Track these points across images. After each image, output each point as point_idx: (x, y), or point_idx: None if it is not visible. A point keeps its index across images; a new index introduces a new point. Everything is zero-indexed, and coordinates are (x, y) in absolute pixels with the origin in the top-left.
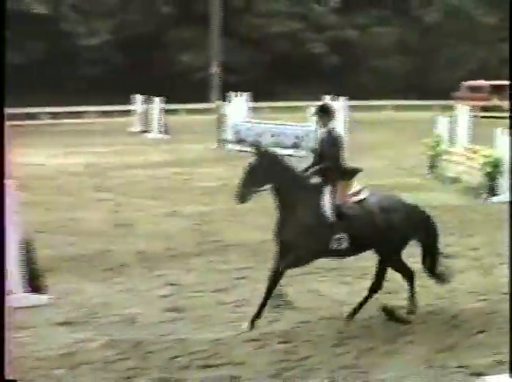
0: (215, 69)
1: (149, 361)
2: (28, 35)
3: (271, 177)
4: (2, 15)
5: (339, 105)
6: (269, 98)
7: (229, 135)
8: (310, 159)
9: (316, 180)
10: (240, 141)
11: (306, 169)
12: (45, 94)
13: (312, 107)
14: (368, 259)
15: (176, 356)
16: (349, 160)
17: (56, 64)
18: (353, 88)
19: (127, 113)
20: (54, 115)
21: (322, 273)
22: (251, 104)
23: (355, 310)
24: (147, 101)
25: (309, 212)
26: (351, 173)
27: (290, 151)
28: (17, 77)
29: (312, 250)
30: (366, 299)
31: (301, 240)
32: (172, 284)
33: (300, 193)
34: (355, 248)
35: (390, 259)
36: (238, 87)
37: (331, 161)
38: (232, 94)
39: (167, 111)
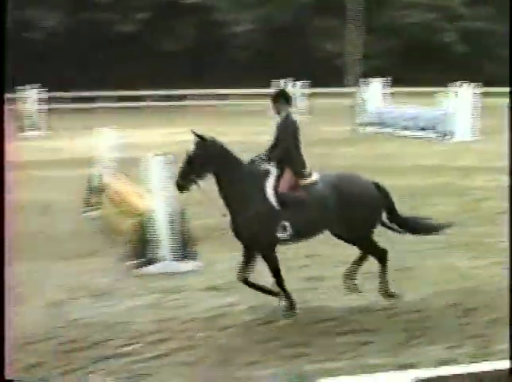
0: (352, 56)
1: (288, 327)
2: (182, 23)
3: (210, 166)
4: (2, 14)
5: (468, 92)
6: (402, 84)
7: (366, 118)
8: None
9: (263, 167)
10: (376, 124)
11: (258, 157)
12: (197, 79)
13: (442, 92)
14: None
15: (316, 322)
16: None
17: (207, 50)
18: (482, 76)
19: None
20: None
21: (454, 247)
22: (386, 90)
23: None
24: (288, 85)
25: (253, 201)
26: (301, 160)
27: (421, 133)
28: (172, 63)
29: (259, 240)
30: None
31: (249, 232)
32: (308, 256)
33: (242, 182)
34: (306, 233)
35: (355, 240)
36: (375, 74)
37: (280, 149)
38: (370, 79)
39: (310, 95)
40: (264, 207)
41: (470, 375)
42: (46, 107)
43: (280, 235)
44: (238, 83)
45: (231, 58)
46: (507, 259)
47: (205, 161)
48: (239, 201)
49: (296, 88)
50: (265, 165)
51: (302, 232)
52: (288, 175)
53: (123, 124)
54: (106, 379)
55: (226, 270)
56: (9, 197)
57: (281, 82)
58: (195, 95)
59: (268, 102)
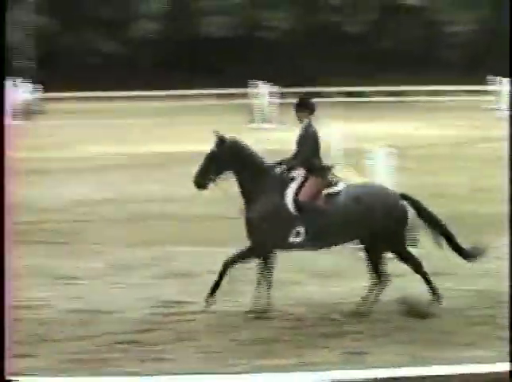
0: None
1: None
2: (402, 24)
3: (231, 165)
4: (2, 15)
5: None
6: None
7: None
8: None
9: (285, 172)
10: None
11: (280, 162)
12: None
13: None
14: None
15: None
16: None
17: (424, 49)
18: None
19: (480, 92)
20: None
21: None
22: None
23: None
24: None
25: (269, 203)
26: (324, 169)
27: None
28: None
29: (268, 240)
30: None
31: (257, 230)
32: None
33: (262, 183)
34: (324, 241)
35: (377, 251)
36: None
37: (299, 159)
38: None
39: None
40: (280, 210)
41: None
42: (277, 101)
43: (293, 239)
44: (453, 80)
45: (446, 56)
46: None
47: (223, 161)
48: (255, 201)
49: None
50: (291, 171)
51: (319, 240)
52: (311, 183)
53: (350, 117)
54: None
55: (443, 257)
56: None
57: (495, 79)
58: (414, 90)
59: (482, 97)
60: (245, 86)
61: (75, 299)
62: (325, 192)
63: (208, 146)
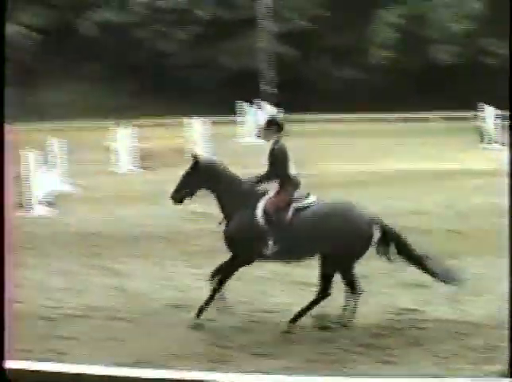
0: None
1: None
2: None
3: (205, 183)
4: (2, 22)
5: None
6: None
7: None
8: None
9: (258, 188)
10: None
11: (253, 179)
12: None
13: None
14: None
15: None
16: None
17: None
18: None
19: None
20: None
21: None
22: None
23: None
24: None
25: (243, 218)
26: (291, 184)
27: None
28: None
29: (244, 251)
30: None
31: (233, 243)
32: None
33: (236, 199)
34: (292, 254)
35: (336, 268)
36: None
37: (265, 175)
38: None
39: None
40: (251, 223)
41: None
42: (501, 122)
43: (263, 251)
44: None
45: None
46: None
47: (197, 179)
48: (231, 214)
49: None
50: (264, 186)
51: (287, 252)
52: (279, 197)
53: None
54: None
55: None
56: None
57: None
58: None
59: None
60: (470, 109)
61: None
62: (294, 206)
63: (442, 164)
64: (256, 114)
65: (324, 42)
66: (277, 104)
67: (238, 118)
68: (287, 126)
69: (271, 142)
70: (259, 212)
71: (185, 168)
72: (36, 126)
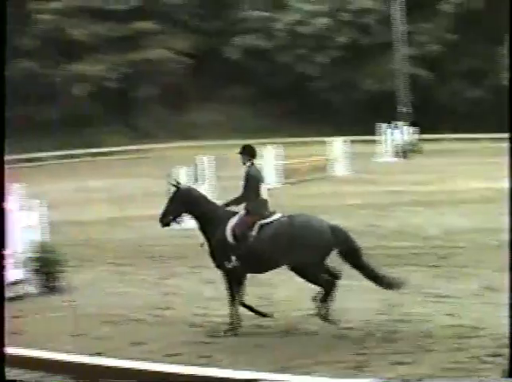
0: None
1: None
2: None
3: (186, 208)
4: (3, 32)
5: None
6: None
7: None
8: None
9: (231, 209)
10: None
11: (227, 202)
12: None
13: None
14: None
15: None
16: None
17: None
18: None
19: None
20: None
21: None
22: None
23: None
24: None
25: (216, 235)
26: (258, 204)
27: None
28: None
29: (221, 266)
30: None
31: (212, 257)
32: None
33: (211, 220)
34: (255, 266)
35: (306, 274)
36: None
37: (235, 198)
38: None
39: None
40: (222, 240)
41: None
42: None
43: (226, 264)
44: None
45: None
46: None
47: (177, 204)
48: (209, 234)
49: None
50: (237, 208)
51: (251, 265)
52: (246, 217)
53: None
54: None
55: None
56: None
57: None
58: None
59: None
60: None
61: (449, 316)
62: (260, 223)
63: None
64: (393, 134)
65: (455, 64)
66: (412, 124)
67: (377, 138)
68: (422, 145)
69: (246, 166)
70: (228, 230)
71: (323, 183)
72: (185, 143)
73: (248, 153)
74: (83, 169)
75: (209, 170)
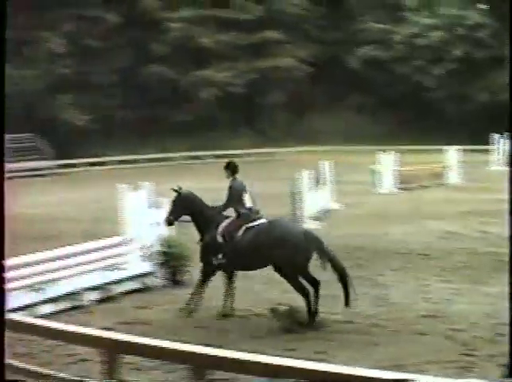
0: None
1: None
2: None
3: (185, 210)
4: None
5: None
6: None
7: None
8: None
9: (222, 214)
10: None
11: (219, 207)
12: None
13: None
14: None
15: None
16: None
17: None
18: None
19: None
20: None
21: None
22: None
23: None
24: None
25: (208, 236)
26: (243, 211)
27: None
28: None
29: (205, 263)
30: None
31: (201, 255)
32: None
33: (206, 222)
34: (240, 265)
35: (286, 274)
36: None
37: (222, 206)
38: None
39: None
40: (213, 239)
41: None
42: None
43: (213, 260)
44: None
45: None
46: None
47: (179, 207)
48: (202, 233)
49: None
50: (227, 212)
51: (236, 262)
52: (234, 221)
53: None
54: None
55: None
56: None
57: None
58: None
59: None
60: None
61: None
62: (246, 226)
63: None
64: (505, 144)
65: None
66: None
67: (490, 148)
68: None
69: (229, 180)
70: (219, 231)
71: (438, 190)
72: (306, 148)
73: (231, 169)
74: (208, 170)
75: (330, 174)
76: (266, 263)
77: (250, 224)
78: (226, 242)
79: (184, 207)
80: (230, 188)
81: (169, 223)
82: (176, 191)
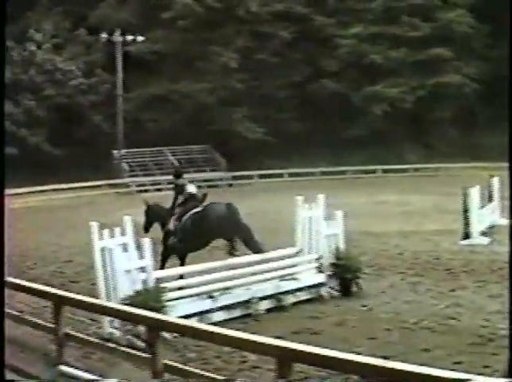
0: None
1: None
2: None
3: (152, 219)
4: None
5: None
6: None
7: None
8: None
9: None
10: None
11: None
12: None
13: None
14: None
15: None
16: None
17: None
18: None
19: None
20: None
21: None
22: None
23: None
24: None
25: (166, 227)
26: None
27: None
28: None
29: (165, 248)
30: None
31: (163, 240)
32: None
33: (166, 218)
34: (188, 246)
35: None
36: None
37: (171, 204)
38: None
39: None
40: (168, 229)
41: None
42: None
43: (170, 245)
44: None
45: None
46: None
47: (149, 216)
48: (163, 228)
49: None
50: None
51: (184, 245)
52: (183, 207)
53: None
54: None
55: None
56: None
57: None
58: None
59: None
60: None
61: None
62: (191, 212)
63: None
64: None
65: None
66: None
67: None
68: None
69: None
70: (171, 222)
71: None
72: (472, 164)
73: (176, 174)
74: (377, 184)
75: (498, 190)
76: (208, 242)
77: (195, 210)
78: (176, 228)
79: (152, 216)
80: (175, 191)
81: (146, 230)
82: (146, 204)
